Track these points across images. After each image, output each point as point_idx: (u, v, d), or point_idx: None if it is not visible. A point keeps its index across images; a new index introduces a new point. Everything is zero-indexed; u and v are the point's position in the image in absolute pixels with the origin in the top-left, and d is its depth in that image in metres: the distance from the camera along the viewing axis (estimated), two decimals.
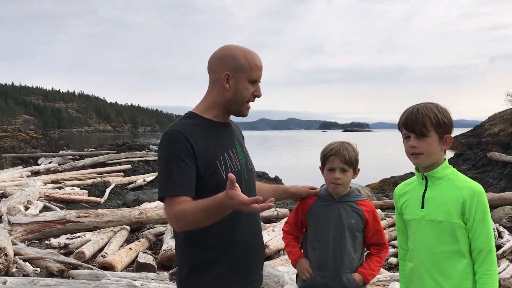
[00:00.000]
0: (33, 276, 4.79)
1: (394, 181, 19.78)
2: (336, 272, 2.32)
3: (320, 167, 2.42)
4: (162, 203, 1.84)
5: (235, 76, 1.89)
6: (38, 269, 5.14)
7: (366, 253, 2.46)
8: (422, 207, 1.97)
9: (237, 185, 1.57)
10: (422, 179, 2.00)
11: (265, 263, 4.32)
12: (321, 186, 2.48)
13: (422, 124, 1.89)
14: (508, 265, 5.12)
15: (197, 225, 1.73)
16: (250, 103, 1.98)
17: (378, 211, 8.64)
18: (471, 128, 39.46)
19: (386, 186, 19.18)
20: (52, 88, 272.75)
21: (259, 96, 1.97)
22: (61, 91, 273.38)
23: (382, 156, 41.23)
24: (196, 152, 1.81)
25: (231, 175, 1.57)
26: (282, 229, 2.57)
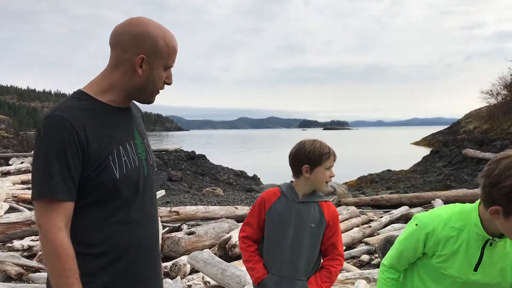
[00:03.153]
0: None
1: (371, 178, 19.95)
2: (291, 278, 2.19)
3: (306, 166, 2.20)
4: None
5: (150, 60, 1.59)
6: None
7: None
8: (475, 270, 1.77)
9: None
10: (484, 239, 1.76)
11: (231, 263, 4.21)
12: (280, 184, 2.34)
13: None
14: None
15: (47, 261, 1.48)
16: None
17: (353, 208, 8.60)
18: (448, 126, 40.16)
19: (363, 184, 19.31)
20: (28, 87, 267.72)
21: (169, 84, 1.69)
22: (36, 90, 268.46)
23: (361, 154, 41.62)
24: (84, 144, 1.50)
25: None
26: (241, 236, 2.33)
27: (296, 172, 2.24)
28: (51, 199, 1.46)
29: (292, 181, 2.30)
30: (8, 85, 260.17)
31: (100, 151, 1.53)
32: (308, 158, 2.19)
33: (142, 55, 1.57)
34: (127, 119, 1.68)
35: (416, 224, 1.86)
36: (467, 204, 1.83)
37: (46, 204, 1.47)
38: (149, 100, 1.69)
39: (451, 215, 1.80)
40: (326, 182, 2.25)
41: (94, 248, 1.56)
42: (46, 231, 1.46)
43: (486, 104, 33.01)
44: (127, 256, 1.61)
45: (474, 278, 1.76)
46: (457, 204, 1.89)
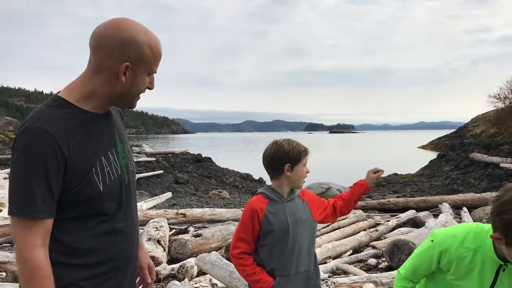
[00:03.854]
0: None
1: (378, 182, 19.88)
2: (299, 273, 2.28)
3: (287, 165, 2.26)
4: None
5: (135, 68, 1.52)
6: (4, 273, 4.96)
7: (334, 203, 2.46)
8: None
9: None
10: (499, 265, 1.76)
11: None
12: (260, 189, 2.36)
13: None
14: None
15: (21, 279, 1.43)
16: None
17: (359, 212, 8.58)
18: (455, 130, 40.04)
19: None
20: (35, 89, 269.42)
21: (151, 89, 1.63)
22: (44, 93, 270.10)
23: (367, 157, 41.51)
24: (67, 158, 1.44)
25: None
26: (234, 254, 2.29)
27: (277, 172, 2.30)
28: (28, 218, 1.40)
29: (269, 185, 2.36)
30: (16, 87, 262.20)
31: (82, 164, 1.48)
32: (288, 157, 2.26)
33: (127, 63, 1.50)
34: (108, 125, 1.62)
35: (432, 241, 1.87)
36: (486, 225, 1.81)
37: (24, 221, 1.41)
38: (131, 106, 1.64)
39: (467, 234, 1.79)
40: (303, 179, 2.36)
41: (79, 259, 1.52)
42: (21, 248, 1.41)
43: (494, 108, 32.89)
44: (112, 267, 1.58)
45: None
46: (475, 223, 1.89)
